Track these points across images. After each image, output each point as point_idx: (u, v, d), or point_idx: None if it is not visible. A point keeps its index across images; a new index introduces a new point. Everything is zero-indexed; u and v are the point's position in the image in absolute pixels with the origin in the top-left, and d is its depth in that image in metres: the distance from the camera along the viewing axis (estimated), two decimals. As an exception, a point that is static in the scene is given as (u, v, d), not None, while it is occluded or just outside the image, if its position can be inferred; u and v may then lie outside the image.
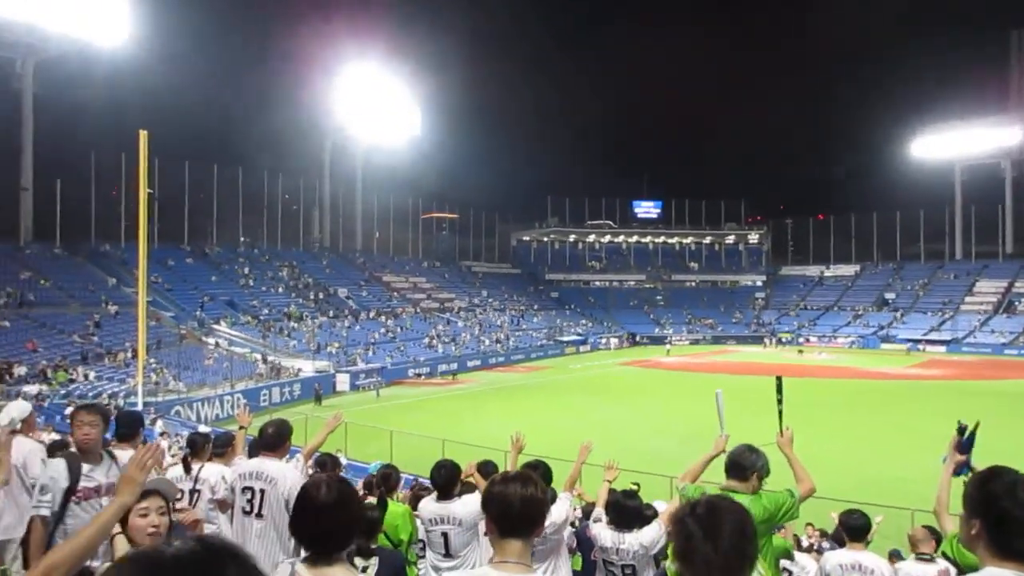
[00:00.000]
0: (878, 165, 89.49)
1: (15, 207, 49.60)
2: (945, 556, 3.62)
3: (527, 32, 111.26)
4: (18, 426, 5.24)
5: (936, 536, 5.78)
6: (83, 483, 4.46)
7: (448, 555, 5.33)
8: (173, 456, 11.86)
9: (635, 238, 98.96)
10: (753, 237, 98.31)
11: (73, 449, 4.73)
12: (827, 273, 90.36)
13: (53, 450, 8.51)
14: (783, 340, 73.30)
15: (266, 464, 4.98)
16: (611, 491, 5.84)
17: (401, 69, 71.64)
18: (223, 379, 37.52)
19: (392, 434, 23.38)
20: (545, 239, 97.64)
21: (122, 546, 3.14)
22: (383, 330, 56.87)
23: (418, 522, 5.72)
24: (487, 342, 61.70)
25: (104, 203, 55.70)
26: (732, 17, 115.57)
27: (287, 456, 5.35)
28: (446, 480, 5.50)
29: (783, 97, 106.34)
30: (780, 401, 4.83)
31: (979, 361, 57.97)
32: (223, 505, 5.56)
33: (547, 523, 4.00)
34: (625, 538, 5.10)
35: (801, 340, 72.70)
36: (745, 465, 4.13)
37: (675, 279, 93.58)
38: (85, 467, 4.51)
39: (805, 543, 10.76)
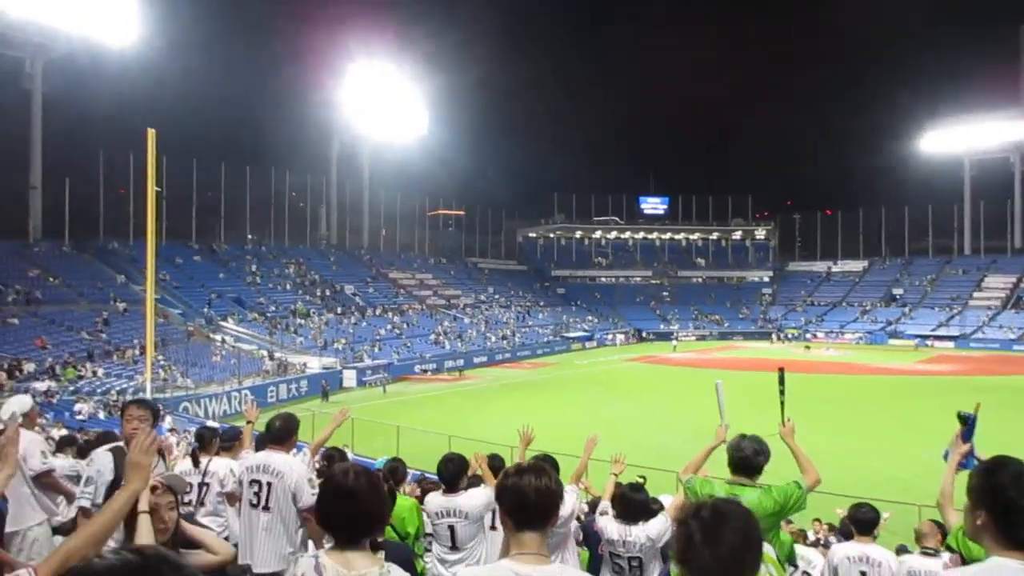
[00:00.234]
0: (886, 160, 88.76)
1: (24, 205, 49.82)
2: (950, 548, 3.60)
3: (534, 29, 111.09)
4: (19, 420, 5.28)
5: (943, 530, 5.78)
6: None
7: (454, 548, 5.35)
8: (181, 451, 11.92)
9: (641, 234, 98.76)
10: (760, 233, 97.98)
11: (121, 443, 4.77)
12: (834, 269, 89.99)
13: (63, 445, 8.59)
14: (789, 336, 73.14)
15: (273, 457, 5.01)
16: (617, 484, 5.85)
17: (408, 67, 71.75)
18: (231, 376, 37.69)
19: (399, 430, 23.45)
20: (551, 235, 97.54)
21: (145, 528, 3.19)
22: (390, 326, 56.98)
23: (424, 515, 5.74)
24: (493, 338, 61.76)
25: (112, 201, 55.92)
26: (740, 14, 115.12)
27: (294, 450, 5.37)
28: (453, 474, 5.52)
29: (791, 92, 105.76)
30: (782, 392, 4.84)
31: (987, 357, 57.76)
32: (231, 498, 5.59)
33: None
34: (632, 531, 5.11)
35: (808, 336, 72.58)
36: (754, 466, 4.16)
37: (682, 275, 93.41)
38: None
39: (812, 537, 10.76)
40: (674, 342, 67.96)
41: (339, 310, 57.23)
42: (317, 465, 7.02)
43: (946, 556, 5.06)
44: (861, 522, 5.81)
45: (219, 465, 6.29)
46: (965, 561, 3.09)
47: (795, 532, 10.44)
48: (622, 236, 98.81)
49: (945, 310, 73.19)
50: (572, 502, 5.37)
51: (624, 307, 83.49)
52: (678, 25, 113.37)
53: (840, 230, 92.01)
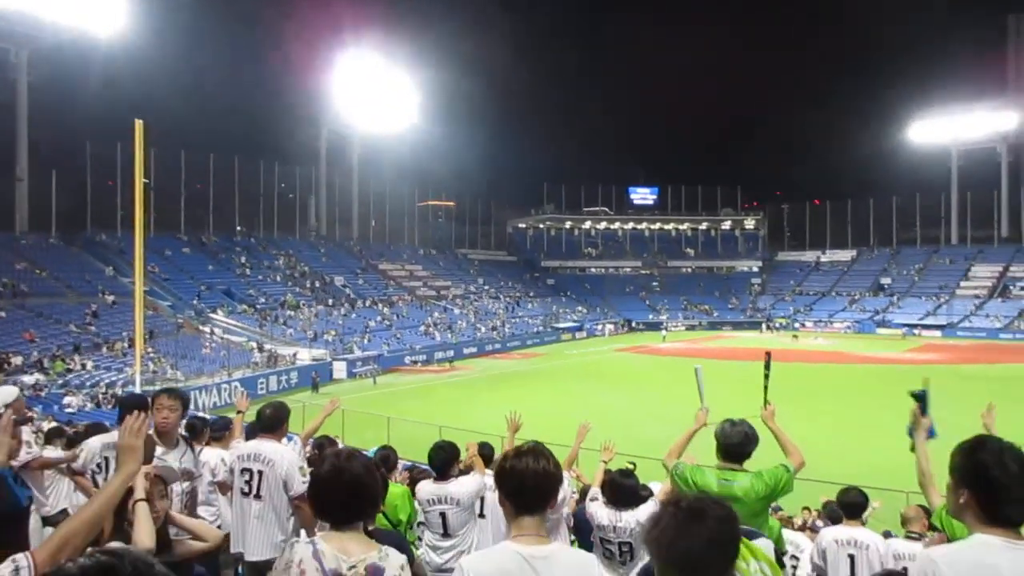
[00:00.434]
0: (875, 151, 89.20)
1: (10, 197, 49.44)
2: (934, 528, 3.65)
3: (525, 20, 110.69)
4: (2, 410, 5.26)
5: (928, 514, 5.85)
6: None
7: (446, 535, 5.38)
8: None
9: (631, 224, 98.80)
10: (749, 223, 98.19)
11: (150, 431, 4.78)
12: (823, 259, 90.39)
13: (51, 436, 8.56)
14: (778, 326, 73.40)
15: (264, 446, 5.01)
16: (607, 472, 5.88)
17: (398, 57, 71.34)
18: (220, 368, 37.58)
19: (389, 421, 23.45)
20: (541, 226, 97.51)
21: (144, 516, 3.21)
22: (380, 318, 56.90)
23: (416, 503, 5.76)
24: (483, 329, 61.76)
25: (100, 193, 55.58)
26: (730, 5, 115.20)
27: (285, 439, 5.38)
28: (444, 461, 5.54)
29: (780, 83, 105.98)
30: (767, 376, 4.85)
31: (974, 345, 58.17)
32: (223, 487, 5.60)
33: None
34: (622, 516, 5.15)
35: (797, 325, 72.87)
36: (745, 453, 4.20)
37: (671, 265, 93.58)
38: (159, 450, 4.59)
39: (799, 522, 10.84)
40: (664, 332, 68.07)
41: (329, 302, 57.10)
42: (308, 454, 7.03)
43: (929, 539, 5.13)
44: (849, 506, 5.88)
45: (210, 455, 6.28)
46: (949, 540, 3.13)
47: (782, 518, 10.53)
48: (612, 226, 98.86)
49: (932, 299, 73.65)
50: (565, 488, 5.40)
51: (614, 297, 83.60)
52: (670, 17, 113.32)
53: (829, 220, 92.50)
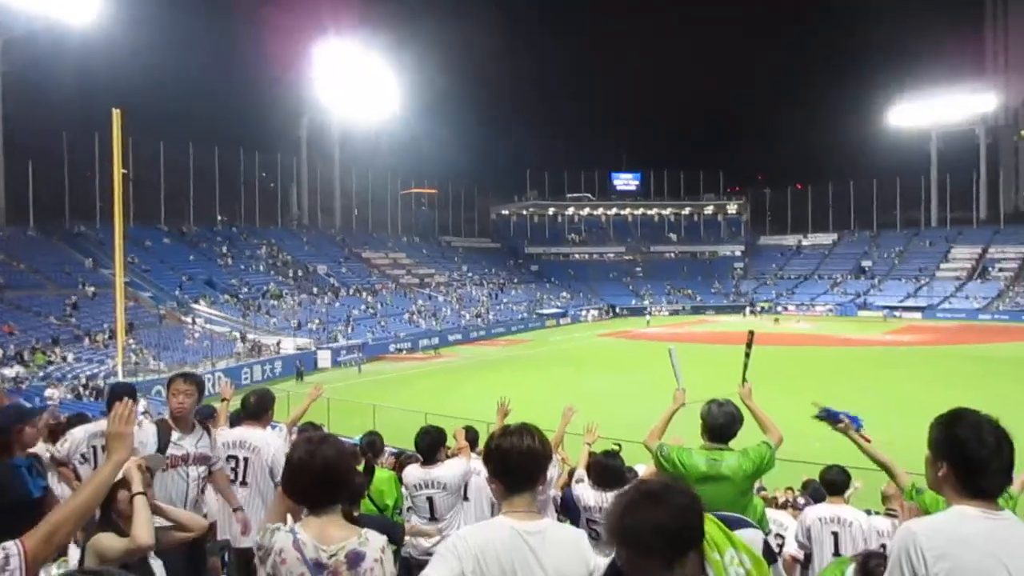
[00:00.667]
0: (855, 134, 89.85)
1: (-14, 190, 48.80)
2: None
3: (506, 6, 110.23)
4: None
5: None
6: (171, 451, 4.56)
7: (433, 519, 5.40)
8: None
9: (614, 210, 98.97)
10: (732, 207, 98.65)
11: (166, 417, 4.80)
12: (805, 242, 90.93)
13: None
14: (761, 309, 73.84)
15: (249, 433, 5.01)
16: (591, 454, 5.91)
17: (379, 44, 70.82)
18: (204, 358, 37.36)
19: (375, 408, 23.44)
20: (524, 213, 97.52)
21: (142, 508, 3.23)
22: (363, 306, 56.76)
23: (403, 488, 5.77)
24: (468, 316, 61.75)
25: (78, 184, 54.87)
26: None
27: (270, 426, 5.37)
28: (429, 445, 5.55)
29: (760, 68, 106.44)
30: (748, 355, 4.86)
31: (954, 326, 58.80)
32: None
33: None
34: (608, 497, 5.17)
35: (780, 309, 73.38)
36: (731, 433, 4.23)
37: (654, 251, 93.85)
38: (175, 435, 4.62)
39: (781, 499, 10.95)
40: (647, 317, 68.38)
41: (313, 291, 56.89)
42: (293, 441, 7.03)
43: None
44: (832, 483, 5.95)
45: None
46: (922, 513, 3.18)
47: (766, 498, 10.62)
48: (595, 212, 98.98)
49: (913, 281, 74.36)
50: (551, 470, 5.41)
51: (597, 283, 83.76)
52: (651, 3, 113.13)
53: (810, 204, 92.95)
